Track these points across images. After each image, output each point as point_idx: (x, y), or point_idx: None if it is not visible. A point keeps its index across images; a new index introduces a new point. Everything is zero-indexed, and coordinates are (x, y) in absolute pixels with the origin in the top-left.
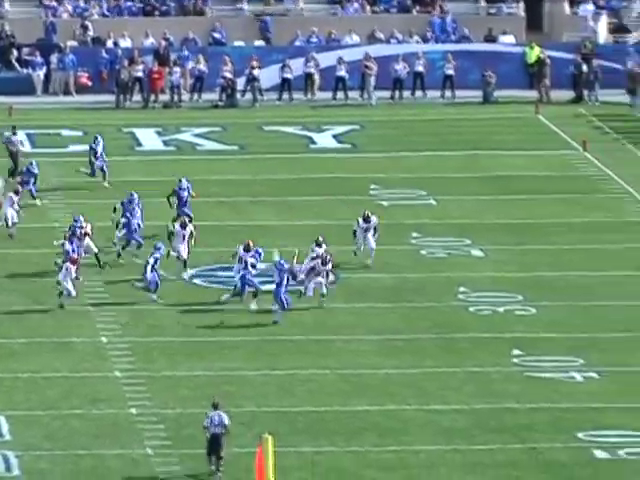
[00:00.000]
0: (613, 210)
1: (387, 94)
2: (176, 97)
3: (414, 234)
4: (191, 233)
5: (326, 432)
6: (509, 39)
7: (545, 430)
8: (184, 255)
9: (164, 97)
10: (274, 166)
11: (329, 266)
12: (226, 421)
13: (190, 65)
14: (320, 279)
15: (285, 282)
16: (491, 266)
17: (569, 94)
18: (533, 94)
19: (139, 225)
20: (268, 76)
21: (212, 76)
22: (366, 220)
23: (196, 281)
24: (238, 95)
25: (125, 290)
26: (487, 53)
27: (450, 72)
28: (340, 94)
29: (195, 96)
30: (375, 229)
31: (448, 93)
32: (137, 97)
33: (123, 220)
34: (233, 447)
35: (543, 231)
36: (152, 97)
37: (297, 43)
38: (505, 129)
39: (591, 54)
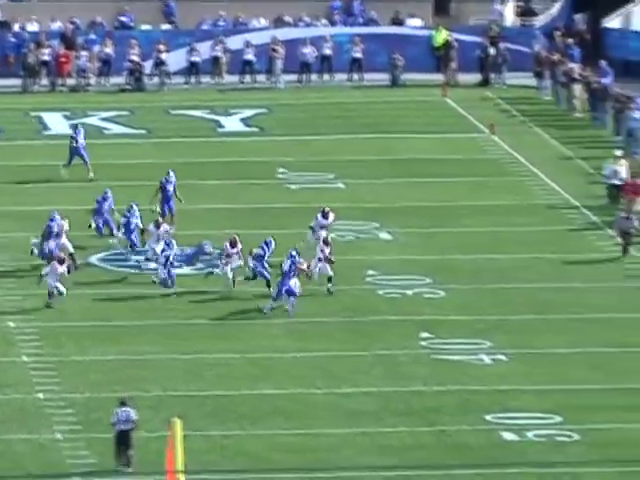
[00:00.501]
0: (520, 193)
1: (295, 77)
2: (83, 81)
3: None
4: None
5: (234, 416)
6: (416, 22)
7: (453, 412)
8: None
9: (71, 81)
10: (182, 150)
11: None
12: (133, 417)
13: (97, 49)
14: (325, 264)
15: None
16: (400, 249)
17: (476, 77)
18: (440, 77)
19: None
20: (175, 60)
21: (119, 60)
22: (325, 216)
23: (104, 265)
24: (145, 79)
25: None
26: (394, 36)
27: (358, 55)
28: (248, 78)
29: (102, 80)
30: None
31: (356, 76)
32: (44, 81)
33: (123, 220)
34: (142, 431)
35: (451, 214)
36: (59, 81)
37: (204, 27)
38: (413, 112)
39: (498, 37)
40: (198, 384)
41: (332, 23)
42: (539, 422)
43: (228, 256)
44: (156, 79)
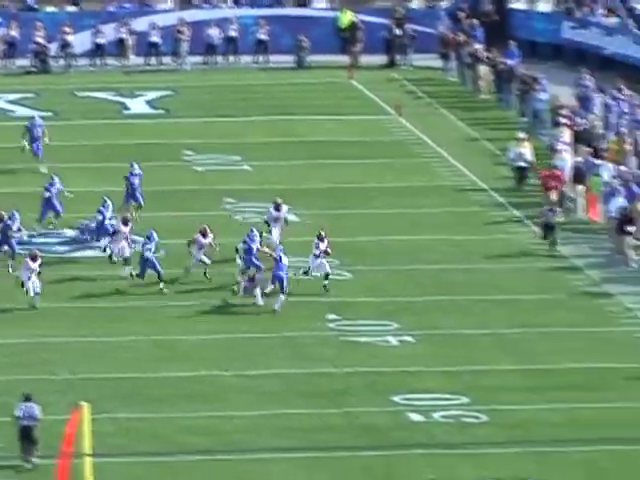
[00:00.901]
0: (427, 174)
1: (200, 59)
2: None
3: (228, 200)
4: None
5: (142, 399)
6: (321, 4)
7: (360, 394)
8: (127, 253)
9: None
10: (88, 132)
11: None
12: (37, 413)
13: (2, 31)
14: (323, 260)
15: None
16: (306, 231)
17: (382, 59)
18: (346, 59)
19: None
20: (81, 42)
21: (24, 42)
22: (277, 208)
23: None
24: (51, 61)
25: None
26: (300, 18)
27: (263, 37)
28: (153, 60)
29: (7, 62)
30: (286, 220)
31: (261, 58)
32: None
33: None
34: (48, 415)
35: (358, 196)
36: None
37: (110, 8)
38: (319, 94)
39: (403, 19)
40: (106, 367)
41: (237, 5)
42: (446, 403)
43: (200, 247)
44: (62, 61)
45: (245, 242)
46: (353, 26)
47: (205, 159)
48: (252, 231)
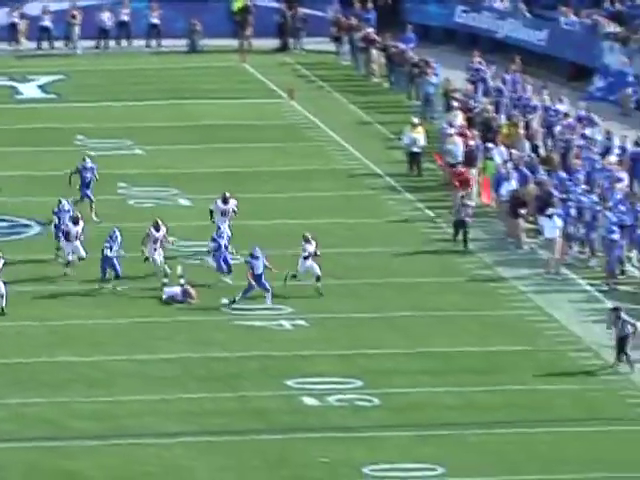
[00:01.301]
0: (320, 158)
1: (93, 44)
2: None
3: (121, 184)
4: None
5: (34, 384)
6: None
7: (254, 378)
8: (82, 253)
9: None
10: None
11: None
12: None
13: None
14: (313, 263)
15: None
16: (199, 215)
17: (275, 43)
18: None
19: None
20: None
21: None
22: (225, 201)
23: None
24: None
25: None
26: (192, 2)
27: (155, 21)
28: (45, 44)
29: None
30: (235, 212)
31: (154, 42)
32: None
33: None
34: None
35: (251, 180)
36: None
37: None
38: (212, 78)
39: (295, 2)
40: None
41: None
42: (340, 387)
43: (155, 241)
44: None
45: (214, 240)
46: (245, 10)
47: (98, 143)
48: (219, 228)
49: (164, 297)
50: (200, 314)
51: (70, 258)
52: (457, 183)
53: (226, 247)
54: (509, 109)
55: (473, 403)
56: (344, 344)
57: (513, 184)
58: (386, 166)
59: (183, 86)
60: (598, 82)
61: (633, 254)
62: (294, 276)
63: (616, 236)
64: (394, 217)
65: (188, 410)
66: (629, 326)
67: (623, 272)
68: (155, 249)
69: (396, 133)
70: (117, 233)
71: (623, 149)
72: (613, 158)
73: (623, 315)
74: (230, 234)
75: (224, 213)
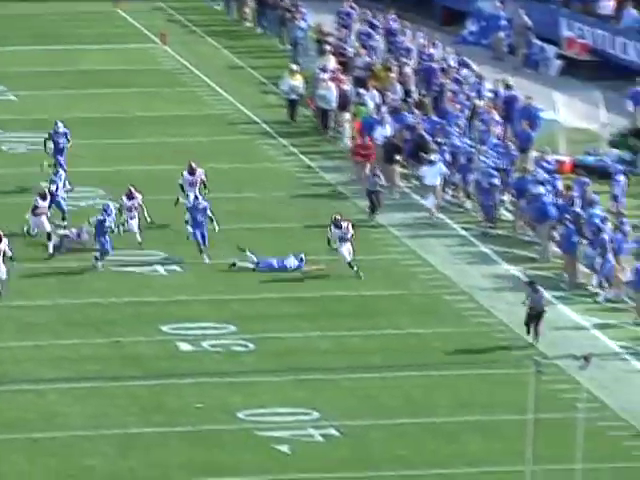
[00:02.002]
0: (194, 103)
1: None
2: None
3: None
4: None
5: None
6: None
7: (129, 324)
8: (47, 228)
9: None
10: None
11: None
12: None
13: None
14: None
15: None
16: (72, 161)
17: None
18: None
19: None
20: None
21: None
22: (191, 172)
23: None
24: None
25: None
26: None
27: None
28: None
29: None
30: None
31: None
32: None
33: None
34: None
35: (125, 125)
36: None
37: None
38: (84, 23)
39: None
40: None
41: None
42: (214, 332)
43: (129, 210)
44: None
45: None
46: None
47: None
48: (108, 207)
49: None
50: (75, 261)
51: (33, 233)
52: (359, 157)
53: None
54: (382, 53)
55: (347, 347)
56: (219, 289)
57: (387, 129)
58: (260, 111)
59: (56, 31)
60: (471, 26)
61: (506, 198)
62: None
63: (496, 180)
64: (269, 162)
65: (63, 356)
66: (544, 301)
67: (495, 216)
68: (131, 218)
69: (269, 78)
70: (111, 207)
71: (496, 93)
72: (486, 102)
73: (540, 290)
74: (206, 205)
75: (192, 184)
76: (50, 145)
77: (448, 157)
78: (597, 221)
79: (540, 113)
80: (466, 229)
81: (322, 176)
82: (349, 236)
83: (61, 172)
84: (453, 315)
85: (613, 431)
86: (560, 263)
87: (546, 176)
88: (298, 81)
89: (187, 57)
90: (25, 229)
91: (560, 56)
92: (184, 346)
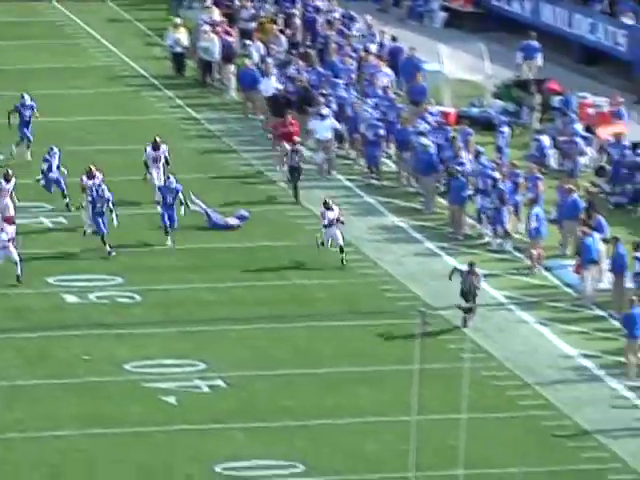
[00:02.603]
0: (80, 55)
1: None
2: None
3: None
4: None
5: None
6: None
7: (13, 278)
8: (11, 212)
9: None
10: None
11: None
12: None
13: None
14: (337, 231)
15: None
16: None
17: None
18: None
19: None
20: None
21: None
22: (155, 147)
23: None
24: None
25: None
26: None
27: None
28: None
29: None
30: (167, 161)
31: None
32: None
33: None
34: None
35: (12, 77)
36: None
37: None
38: None
39: None
40: None
41: None
42: (101, 284)
43: (83, 190)
44: None
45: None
46: None
47: None
48: (52, 149)
49: None
50: None
51: None
52: (280, 136)
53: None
54: (267, 4)
55: (234, 299)
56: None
57: (273, 81)
58: (145, 63)
59: None
60: None
61: (392, 149)
62: (322, 244)
63: (381, 132)
64: (155, 114)
65: None
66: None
67: (380, 168)
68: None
69: (154, 30)
70: (55, 149)
71: (381, 45)
72: (372, 54)
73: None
74: (179, 187)
75: (155, 160)
76: (15, 118)
77: (335, 108)
78: (490, 172)
79: (424, 65)
80: (351, 180)
81: (207, 127)
82: (341, 219)
83: (55, 150)
84: (338, 266)
85: (497, 381)
86: (445, 214)
87: (429, 127)
88: (182, 34)
89: (72, 10)
90: None
91: (444, 8)
92: (70, 298)
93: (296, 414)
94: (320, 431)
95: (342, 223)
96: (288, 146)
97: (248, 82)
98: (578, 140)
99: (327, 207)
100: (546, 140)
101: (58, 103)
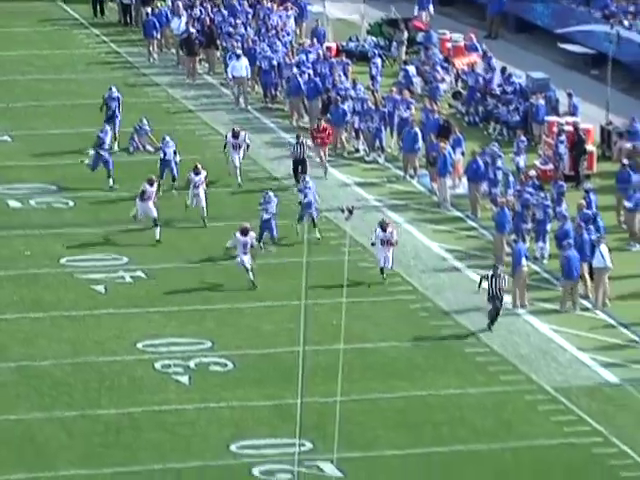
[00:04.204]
0: (22, 1)
1: None
2: None
3: None
4: None
5: None
6: None
7: None
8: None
9: None
10: None
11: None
12: None
13: None
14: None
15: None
16: None
17: None
18: None
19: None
20: None
21: None
22: (235, 136)
23: None
24: None
25: None
26: None
27: None
28: None
29: None
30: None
31: None
32: None
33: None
34: None
35: None
36: None
37: None
38: None
39: None
40: None
41: None
42: (39, 192)
43: (196, 186)
44: None
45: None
46: None
47: None
48: (105, 127)
49: None
50: None
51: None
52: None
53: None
54: None
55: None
56: (44, 157)
57: (183, 22)
58: (75, 6)
59: None
60: None
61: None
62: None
63: (275, 62)
64: (83, 49)
65: None
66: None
67: (272, 93)
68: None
69: None
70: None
71: None
72: None
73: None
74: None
75: (235, 147)
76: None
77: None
78: (364, 95)
79: (309, 7)
80: (251, 104)
81: (128, 60)
82: (393, 241)
83: (107, 128)
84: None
85: (371, 271)
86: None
87: (305, 58)
88: None
89: None
90: (132, 214)
91: None
92: (13, 203)
93: (205, 299)
94: (225, 314)
95: (395, 245)
96: (322, 152)
97: (161, 22)
98: (438, 69)
99: (383, 228)
100: (412, 69)
101: (2, 40)
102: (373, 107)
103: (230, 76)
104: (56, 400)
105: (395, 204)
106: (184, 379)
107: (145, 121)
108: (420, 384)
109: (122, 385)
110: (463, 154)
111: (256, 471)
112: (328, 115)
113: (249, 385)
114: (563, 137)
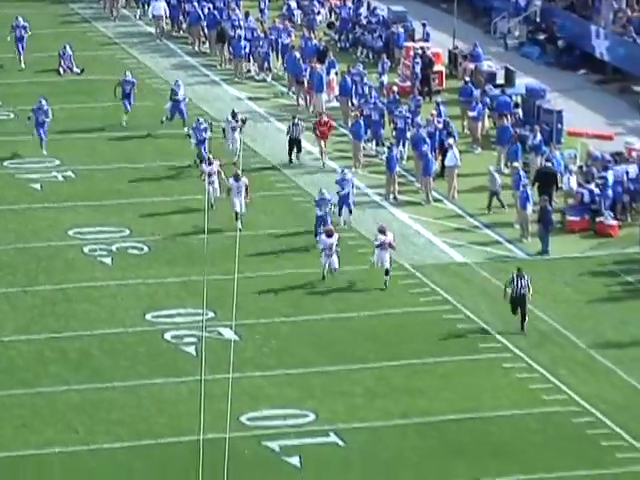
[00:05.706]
0: None
1: None
2: None
3: None
4: None
5: None
6: None
7: None
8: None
9: None
10: None
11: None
12: None
13: None
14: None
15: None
16: None
17: None
18: None
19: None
20: None
21: None
22: (234, 116)
23: None
24: None
25: None
26: None
27: None
28: None
29: None
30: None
31: None
32: None
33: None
34: None
35: None
36: None
37: None
38: None
39: None
40: None
41: None
42: None
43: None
44: None
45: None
46: None
47: None
48: (177, 81)
49: None
50: None
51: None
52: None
53: None
54: None
55: None
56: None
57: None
58: None
59: None
60: None
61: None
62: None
63: (207, 10)
64: (62, 28)
65: None
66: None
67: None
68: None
69: None
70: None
71: None
72: None
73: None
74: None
75: (234, 129)
76: (119, 91)
77: None
78: (252, 25)
79: None
80: (190, 54)
81: (107, 34)
82: (393, 244)
83: (180, 82)
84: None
85: (260, 165)
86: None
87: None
88: None
89: None
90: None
91: None
92: None
93: (126, 195)
94: (141, 206)
95: (393, 248)
96: (322, 144)
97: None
98: (315, 3)
99: (382, 232)
100: (293, 4)
101: None
102: (262, 35)
103: (151, 15)
104: (2, 279)
105: (280, 114)
106: (107, 260)
107: (68, 47)
108: (302, 263)
109: (56, 266)
110: (337, 74)
111: (168, 336)
112: (227, 45)
113: (162, 265)
114: (418, 59)
